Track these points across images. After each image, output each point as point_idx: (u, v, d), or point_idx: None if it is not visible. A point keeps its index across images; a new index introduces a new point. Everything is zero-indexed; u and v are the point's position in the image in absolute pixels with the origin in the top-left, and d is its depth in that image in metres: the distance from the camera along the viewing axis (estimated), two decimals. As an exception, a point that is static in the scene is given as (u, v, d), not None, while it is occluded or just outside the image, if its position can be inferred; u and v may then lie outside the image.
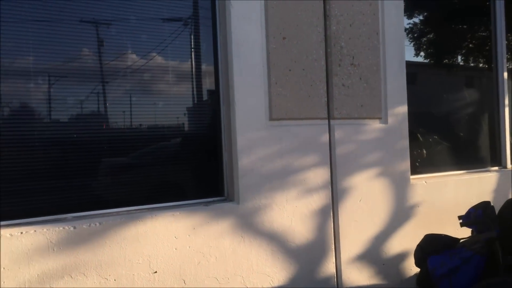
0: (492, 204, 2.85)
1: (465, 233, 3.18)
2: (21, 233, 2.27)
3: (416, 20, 4.19)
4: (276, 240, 3.01)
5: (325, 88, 3.14)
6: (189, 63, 2.90)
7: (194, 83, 2.91)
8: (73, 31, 2.54)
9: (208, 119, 2.98)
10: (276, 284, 3.01)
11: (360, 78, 3.28)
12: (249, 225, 2.92)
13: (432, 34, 4.37)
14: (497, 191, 4.04)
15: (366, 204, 3.33)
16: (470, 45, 4.66)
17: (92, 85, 2.62)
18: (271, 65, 2.93)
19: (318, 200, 3.14)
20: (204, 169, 2.96)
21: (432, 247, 2.95)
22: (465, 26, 4.56)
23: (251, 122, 2.89)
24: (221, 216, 2.82)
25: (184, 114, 2.90)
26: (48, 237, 2.33)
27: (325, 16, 3.15)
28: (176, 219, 2.67)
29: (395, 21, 3.47)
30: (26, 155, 2.44)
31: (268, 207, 2.97)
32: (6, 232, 2.25)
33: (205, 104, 2.98)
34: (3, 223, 2.32)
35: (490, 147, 4.35)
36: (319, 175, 3.14)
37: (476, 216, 2.79)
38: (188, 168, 2.90)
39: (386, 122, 3.42)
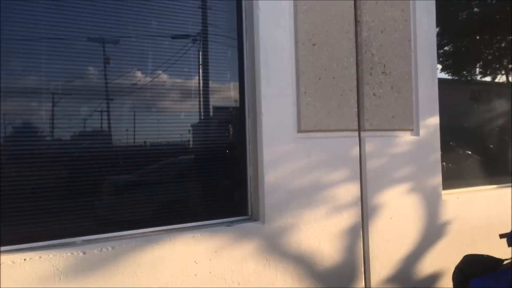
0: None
1: (503, 252, 2.95)
2: (25, 259, 2.03)
3: (445, 30, 3.98)
4: (303, 263, 2.77)
5: (356, 97, 2.92)
6: (213, 73, 2.67)
7: (218, 94, 2.68)
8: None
9: (232, 132, 2.76)
10: (302, 310, 2.78)
11: (392, 88, 3.06)
12: (275, 247, 2.68)
13: (459, 44, 4.17)
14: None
15: (397, 222, 3.10)
16: (498, 56, 4.46)
17: (102, 100, 2.39)
18: (300, 73, 2.71)
19: (348, 218, 2.91)
20: (227, 186, 2.73)
21: (474, 269, 2.70)
22: (493, 36, 4.36)
23: (279, 134, 2.67)
24: (245, 237, 2.58)
25: (206, 127, 2.67)
26: (54, 264, 2.09)
27: (356, 22, 2.94)
28: (196, 241, 2.43)
29: (427, 28, 3.26)
30: (30, 172, 2.20)
31: (295, 227, 2.74)
32: (8, 259, 2.00)
33: (229, 116, 2.76)
34: (3, 248, 2.07)
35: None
36: (349, 191, 2.91)
37: (525, 236, 2.57)
38: (209, 185, 2.67)
39: (417, 134, 3.20)
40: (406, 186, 3.15)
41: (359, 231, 2.96)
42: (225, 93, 2.71)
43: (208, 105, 2.66)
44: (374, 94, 2.98)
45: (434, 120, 3.28)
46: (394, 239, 3.09)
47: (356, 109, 2.92)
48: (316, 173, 2.79)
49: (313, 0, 2.77)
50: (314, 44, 2.75)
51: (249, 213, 2.74)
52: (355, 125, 2.92)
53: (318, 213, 2.80)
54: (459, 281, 2.78)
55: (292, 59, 2.70)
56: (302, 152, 2.74)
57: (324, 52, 2.79)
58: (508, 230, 2.76)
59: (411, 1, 3.19)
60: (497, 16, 4.31)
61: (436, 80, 3.30)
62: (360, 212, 2.96)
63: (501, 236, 2.81)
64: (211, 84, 2.65)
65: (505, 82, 4.39)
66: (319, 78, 2.78)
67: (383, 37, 3.03)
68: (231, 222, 2.64)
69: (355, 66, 2.92)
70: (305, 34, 2.73)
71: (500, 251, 2.97)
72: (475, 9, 4.24)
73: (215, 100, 2.68)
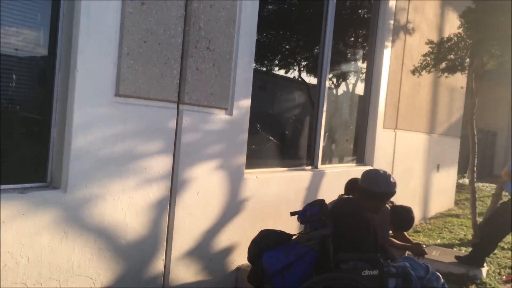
0: (325, 203, 3.00)
1: (288, 227, 3.30)
2: None
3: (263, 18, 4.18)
4: (105, 236, 2.59)
5: (179, 69, 2.83)
6: (16, 14, 2.21)
7: (20, 41, 2.23)
8: None
9: (37, 87, 2.35)
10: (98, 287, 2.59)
11: (214, 65, 3.08)
12: (76, 219, 2.42)
13: (270, 36, 4.45)
14: (310, 188, 4.38)
15: (203, 197, 3.16)
16: (303, 52, 4.94)
17: None
18: (125, 32, 2.48)
19: (157, 191, 2.83)
20: (24, 147, 2.33)
21: (268, 243, 2.95)
22: (301, 37, 4.80)
23: (94, 95, 2.39)
24: (40, 206, 2.26)
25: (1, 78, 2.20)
26: None
27: (188, -11, 2.84)
28: (-22, 209, 2.01)
29: (250, 12, 3.37)
30: None
31: (101, 198, 2.52)
32: None
33: (33, 68, 2.34)
34: None
35: (308, 148, 4.70)
36: (162, 163, 2.83)
37: (313, 213, 2.90)
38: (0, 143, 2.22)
39: (231, 113, 3.31)
40: (215, 163, 3.23)
41: (167, 205, 2.92)
42: (30, 40, 2.27)
43: (5, 53, 2.20)
44: (197, 68, 2.94)
45: (246, 102, 3.44)
46: (198, 213, 3.14)
47: (178, 81, 2.84)
48: (130, 142, 2.62)
49: (148, -44, 2.56)
50: (143, 3, 2.55)
51: (48, 180, 2.40)
52: (175, 97, 2.83)
53: (127, 184, 2.64)
54: (254, 254, 3.00)
55: (118, 14, 2.44)
56: (118, 118, 2.52)
57: (152, 14, 2.61)
58: (294, 209, 3.10)
59: (239, -17, 3.25)
60: (308, 18, 4.76)
61: (253, 64, 3.47)
62: (170, 185, 2.91)
63: (292, 213, 3.13)
64: (12, 28, 2.19)
65: (305, 77, 4.91)
66: (145, 41, 2.59)
67: (211, 12, 3.01)
68: (26, 189, 2.27)
69: (182, 36, 2.82)
70: (135, -10, 2.50)
71: (286, 226, 3.33)
72: (287, 7, 4.58)
73: (15, 47, 2.23)
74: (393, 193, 2.99)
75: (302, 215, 2.97)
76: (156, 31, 2.65)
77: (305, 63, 4.95)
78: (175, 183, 2.93)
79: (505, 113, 17.37)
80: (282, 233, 3.01)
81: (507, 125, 17.26)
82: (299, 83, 4.82)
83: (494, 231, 4.92)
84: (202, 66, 2.99)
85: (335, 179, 4.71)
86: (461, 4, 6.47)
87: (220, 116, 3.22)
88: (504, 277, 4.99)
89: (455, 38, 5.85)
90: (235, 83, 3.29)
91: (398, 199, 6.42)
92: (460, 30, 5.84)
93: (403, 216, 4.06)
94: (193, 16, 2.87)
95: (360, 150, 5.82)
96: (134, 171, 2.67)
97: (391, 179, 2.97)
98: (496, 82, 13.18)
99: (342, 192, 3.62)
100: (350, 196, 3.28)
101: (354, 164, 5.64)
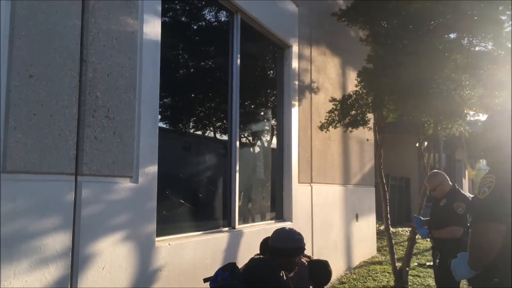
0: (237, 265, 2.96)
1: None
2: None
3: (167, 82, 4.25)
4: (-7, 329, 2.32)
5: (75, 139, 2.75)
6: None
7: None
8: None
9: None
10: None
11: (114, 133, 3.03)
12: (-44, 313, 2.16)
13: (176, 98, 4.52)
14: (228, 250, 4.31)
15: (110, 272, 2.99)
16: (211, 113, 5.04)
17: None
18: (12, 106, 2.38)
19: (55, 271, 2.62)
20: None
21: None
22: (207, 95, 4.92)
23: (-24, 174, 2.23)
24: None
25: None
26: None
27: (82, 60, 2.82)
28: None
29: (152, 78, 3.41)
30: None
31: (-14, 286, 2.28)
32: None
33: None
34: None
35: (223, 208, 4.67)
36: (59, 240, 2.65)
37: (224, 278, 2.85)
38: None
39: (137, 181, 3.23)
40: (122, 234, 3.10)
41: (67, 285, 2.70)
42: None
43: None
44: (95, 138, 2.87)
45: (153, 169, 3.39)
46: (105, 290, 2.95)
47: (75, 152, 2.74)
48: (22, 220, 2.44)
49: (34, 28, 2.53)
50: (31, 76, 2.48)
51: None
52: (72, 169, 2.72)
53: (19, 267, 2.42)
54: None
55: (3, 87, 2.35)
56: (6, 197, 2.36)
57: (42, 86, 2.55)
58: (212, 274, 3.02)
59: (138, 51, 3.30)
60: (213, 79, 4.91)
61: (157, 130, 3.46)
62: (70, 263, 2.72)
63: (205, 280, 3.05)
64: None
65: (215, 137, 4.98)
66: (34, 114, 2.50)
67: (109, 80, 3.00)
68: None
69: (77, 106, 2.76)
70: (21, 63, 2.44)
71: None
72: (192, 70, 4.72)
73: None
74: (299, 249, 3.02)
75: (213, 281, 2.90)
76: (47, 102, 2.57)
77: (216, 123, 5.05)
78: (76, 260, 2.75)
79: (415, 160, 18.71)
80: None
81: (418, 170, 18.52)
82: (211, 144, 4.88)
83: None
84: (101, 135, 2.92)
85: (253, 238, 4.69)
86: (359, 64, 7.05)
87: (125, 184, 3.13)
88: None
89: (354, 96, 6.30)
90: (139, 150, 3.25)
91: (321, 251, 6.53)
92: (358, 88, 6.33)
93: (320, 270, 4.10)
94: (88, 85, 2.84)
95: (278, 207, 5.89)
96: (27, 252, 2.47)
97: (296, 235, 3.02)
98: (403, 131, 14.25)
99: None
100: (261, 256, 3.27)
101: (273, 221, 5.68)
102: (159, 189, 3.47)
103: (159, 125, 3.53)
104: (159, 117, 3.65)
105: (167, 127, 4.36)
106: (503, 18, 5.66)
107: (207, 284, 3.02)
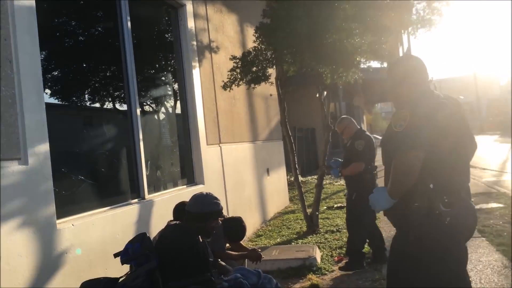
0: (147, 235, 2.89)
1: (120, 270, 3.10)
2: None
3: (51, 54, 3.88)
4: None
5: None
6: None
7: None
8: None
9: None
10: None
11: (-7, 113, 2.72)
12: None
13: (65, 70, 4.18)
14: (140, 222, 4.20)
15: (8, 263, 2.76)
16: (106, 83, 4.74)
17: None
18: None
19: None
20: None
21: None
22: (99, 63, 4.60)
23: None
24: None
25: None
26: None
27: None
28: None
29: (30, 49, 3.09)
30: None
31: None
32: None
33: None
34: None
35: (130, 180, 4.51)
36: None
37: (134, 250, 2.77)
38: None
39: (26, 163, 2.96)
40: (17, 221, 2.86)
41: (-42, 285, 2.46)
42: None
43: None
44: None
45: (43, 147, 3.13)
46: (5, 284, 2.72)
47: None
48: None
49: None
50: None
51: None
52: None
53: None
54: (78, 310, 2.74)
55: None
56: None
57: None
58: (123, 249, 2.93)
59: (10, 19, 2.94)
60: (103, 45, 4.59)
61: (44, 105, 3.17)
62: (-43, 261, 2.46)
63: (115, 255, 2.95)
64: None
65: (113, 108, 4.73)
66: None
67: (-23, 55, 2.66)
68: None
69: None
70: None
71: (119, 269, 3.11)
72: (79, 37, 4.37)
73: None
74: (216, 212, 3.02)
75: (124, 254, 2.82)
76: None
77: (113, 93, 4.78)
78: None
79: (319, 110, 19.54)
80: (106, 280, 2.81)
81: (322, 120, 19.41)
82: (110, 115, 4.63)
83: (354, 227, 5.11)
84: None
85: (166, 206, 4.62)
86: (256, 20, 7.01)
87: (12, 168, 2.86)
88: (336, 257, 5.51)
89: (254, 52, 6.30)
90: (25, 128, 2.96)
91: (236, 209, 6.65)
92: (257, 44, 6.32)
93: (234, 227, 4.19)
94: (-49, 62, 2.49)
95: (188, 171, 5.84)
96: None
97: (213, 199, 3.01)
98: (305, 84, 14.72)
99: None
100: (178, 222, 3.22)
101: (185, 186, 5.63)
102: (54, 169, 3.23)
103: (47, 101, 3.25)
104: (48, 91, 3.37)
105: (58, 102, 4.03)
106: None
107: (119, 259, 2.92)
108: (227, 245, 4.20)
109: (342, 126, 5.27)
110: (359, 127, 5.28)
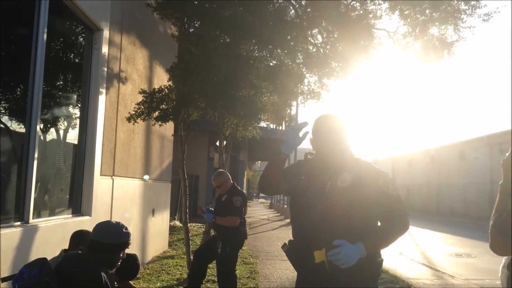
0: (48, 261, 2.62)
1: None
2: None
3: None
4: None
5: None
6: None
7: None
8: None
9: None
10: None
11: None
12: None
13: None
14: (21, 247, 3.78)
15: None
16: (7, 90, 4.33)
17: None
18: None
19: None
20: None
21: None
22: (2, 71, 4.21)
23: None
24: None
25: None
26: None
27: None
28: None
29: None
30: None
31: None
32: None
33: None
34: None
35: (16, 201, 4.07)
36: None
37: (32, 275, 2.49)
38: None
39: None
40: None
41: None
42: None
43: None
44: None
45: None
46: None
47: None
48: None
49: None
50: None
51: None
52: None
53: None
54: None
55: None
56: None
57: None
58: (3, 274, 2.63)
59: None
60: (14, 52, 4.23)
61: None
62: None
63: (4, 279, 2.64)
64: None
65: (12, 119, 4.31)
66: None
67: None
68: None
69: None
70: None
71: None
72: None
73: None
74: (125, 244, 2.88)
75: (18, 280, 2.52)
76: None
77: (10, 107, 4.36)
78: None
79: (204, 159, 19.72)
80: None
81: (206, 169, 19.61)
82: (6, 127, 4.20)
83: (228, 278, 5.39)
84: None
85: (50, 233, 4.24)
86: (167, 59, 7.08)
87: None
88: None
89: (166, 90, 6.31)
90: None
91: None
92: (170, 83, 6.36)
93: (129, 264, 3.98)
94: None
95: (76, 200, 5.45)
96: None
97: (124, 230, 2.87)
98: (199, 130, 14.85)
99: (63, 247, 3.28)
100: (78, 251, 2.98)
101: (71, 216, 5.22)
102: None
103: None
104: None
105: None
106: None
107: (6, 284, 2.60)
108: (115, 283, 3.95)
109: (220, 180, 5.55)
110: (232, 182, 5.64)
